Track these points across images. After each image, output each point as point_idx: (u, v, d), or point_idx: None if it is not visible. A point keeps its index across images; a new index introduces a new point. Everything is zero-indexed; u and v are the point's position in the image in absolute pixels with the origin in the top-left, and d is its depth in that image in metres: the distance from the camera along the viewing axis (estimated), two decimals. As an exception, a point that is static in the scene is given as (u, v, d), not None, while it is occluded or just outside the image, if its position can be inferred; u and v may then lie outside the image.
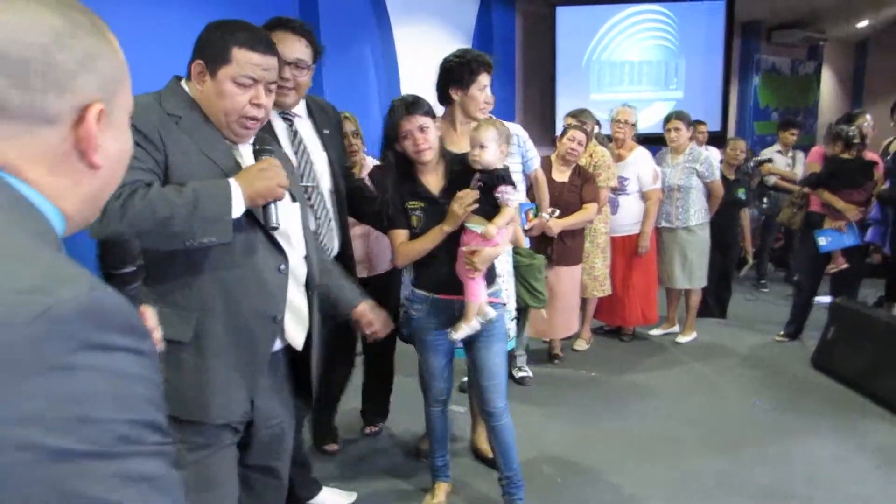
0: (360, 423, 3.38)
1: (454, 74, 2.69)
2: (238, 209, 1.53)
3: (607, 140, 4.66)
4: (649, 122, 6.72)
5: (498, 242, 2.31)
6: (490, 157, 2.31)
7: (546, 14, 7.16)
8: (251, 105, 1.59)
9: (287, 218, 1.68)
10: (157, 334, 1.01)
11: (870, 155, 4.62)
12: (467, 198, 2.25)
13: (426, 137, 2.29)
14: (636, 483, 2.90)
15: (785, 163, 6.21)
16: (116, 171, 0.73)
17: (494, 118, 2.69)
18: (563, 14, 7.16)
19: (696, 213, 4.59)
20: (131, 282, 0.90)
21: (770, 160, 6.21)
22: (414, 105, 2.30)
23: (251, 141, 1.69)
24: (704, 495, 2.82)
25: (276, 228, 1.62)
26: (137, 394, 0.57)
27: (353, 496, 2.78)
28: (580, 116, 4.22)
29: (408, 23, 5.53)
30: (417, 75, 5.19)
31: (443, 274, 2.36)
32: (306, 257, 1.76)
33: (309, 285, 1.77)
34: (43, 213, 0.64)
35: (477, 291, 2.32)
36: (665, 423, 3.48)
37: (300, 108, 2.31)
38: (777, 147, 6.33)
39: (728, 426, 3.44)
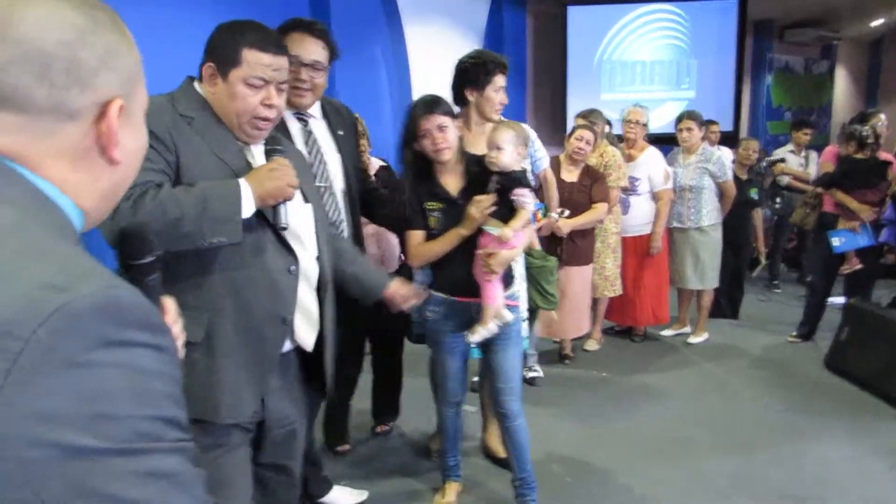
0: (370, 423, 3.39)
1: (470, 75, 2.69)
2: (248, 209, 1.53)
3: (618, 140, 4.65)
4: (661, 122, 6.69)
5: (515, 245, 2.31)
6: (507, 159, 2.31)
7: (557, 14, 7.15)
8: (263, 106, 1.59)
9: (298, 218, 1.68)
10: (178, 326, 1.01)
11: (884, 155, 4.58)
12: (485, 201, 2.25)
13: (445, 137, 2.29)
14: (647, 483, 2.88)
15: (798, 163, 6.17)
16: (133, 167, 0.74)
17: (503, 119, 2.69)
18: (574, 14, 7.14)
19: (709, 214, 4.57)
20: (150, 272, 0.90)
21: (783, 160, 6.17)
22: (434, 104, 2.31)
23: (263, 141, 1.69)
24: (716, 496, 2.81)
25: (285, 228, 1.61)
26: (156, 390, 0.57)
27: (364, 495, 2.79)
28: (590, 117, 4.22)
29: (419, 23, 5.54)
30: (428, 75, 5.20)
31: (460, 276, 2.36)
32: (318, 258, 1.76)
33: (321, 286, 1.77)
34: (62, 209, 0.65)
35: (494, 294, 2.32)
36: (676, 424, 3.47)
37: (315, 109, 2.32)
38: (790, 147, 6.29)
39: (740, 427, 3.42)
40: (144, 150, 0.76)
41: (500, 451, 3.01)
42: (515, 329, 2.46)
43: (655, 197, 4.46)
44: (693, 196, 4.54)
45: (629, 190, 4.41)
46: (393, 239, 3.06)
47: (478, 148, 2.51)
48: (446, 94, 2.78)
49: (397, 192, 2.41)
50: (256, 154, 1.68)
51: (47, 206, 0.63)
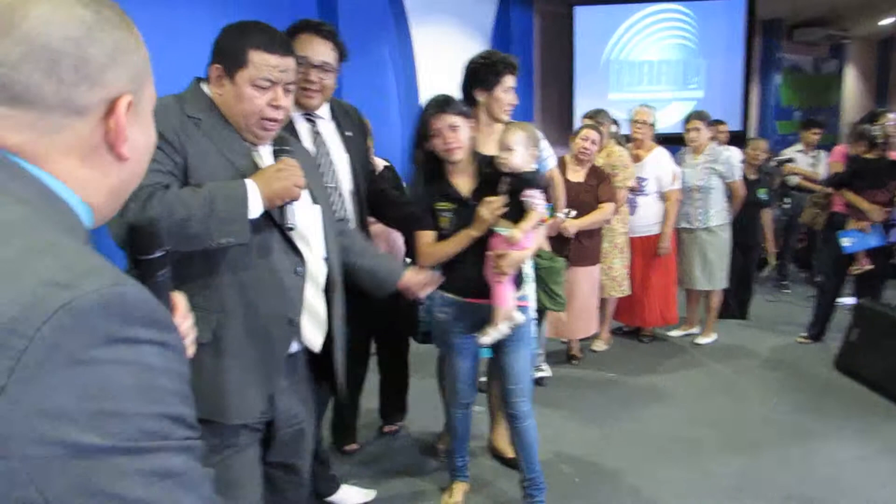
0: (377, 423, 3.39)
1: (479, 76, 2.69)
2: (255, 210, 1.53)
3: (625, 140, 4.64)
4: (669, 122, 6.67)
5: (525, 246, 2.31)
6: (518, 160, 2.30)
7: (564, 14, 7.15)
8: (270, 107, 1.59)
9: (306, 219, 1.68)
10: (189, 322, 1.01)
11: (894, 154, 4.54)
12: (495, 202, 2.25)
13: (456, 136, 2.30)
14: (655, 484, 2.88)
15: (807, 162, 6.13)
16: (142, 164, 0.74)
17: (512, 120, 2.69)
18: (582, 14, 7.13)
19: (717, 214, 4.55)
20: (160, 267, 0.90)
21: (791, 160, 6.14)
22: (445, 104, 2.31)
23: (271, 141, 1.69)
24: (724, 497, 2.79)
25: (291, 229, 1.61)
26: (163, 387, 0.56)
27: (372, 494, 2.80)
28: (597, 117, 4.22)
29: (426, 23, 5.55)
30: (435, 75, 5.21)
31: (471, 278, 2.35)
32: (326, 259, 1.76)
33: (329, 287, 1.76)
34: (70, 206, 0.65)
35: (505, 296, 2.31)
36: (685, 425, 3.45)
37: (324, 110, 2.32)
38: (799, 146, 6.25)
39: (749, 428, 3.41)
40: (153, 147, 0.76)
41: (508, 451, 3.01)
42: (526, 330, 2.45)
43: (663, 197, 4.45)
44: (701, 196, 4.53)
45: (637, 190, 4.40)
46: (399, 239, 3.07)
47: (486, 149, 2.51)
48: (454, 94, 2.79)
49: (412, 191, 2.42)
50: (264, 154, 1.67)
51: (55, 203, 0.63)
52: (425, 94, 5.12)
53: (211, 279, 1.56)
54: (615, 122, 4.55)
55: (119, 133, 0.67)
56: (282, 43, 1.61)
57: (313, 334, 1.73)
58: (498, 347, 2.44)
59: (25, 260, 0.54)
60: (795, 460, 3.08)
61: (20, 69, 0.61)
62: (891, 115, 4.98)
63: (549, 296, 3.07)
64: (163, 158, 1.50)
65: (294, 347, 1.70)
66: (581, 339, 4.42)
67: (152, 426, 0.55)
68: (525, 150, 2.32)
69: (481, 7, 6.27)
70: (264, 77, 1.57)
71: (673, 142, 5.18)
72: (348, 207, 2.35)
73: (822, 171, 5.81)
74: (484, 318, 2.35)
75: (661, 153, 4.48)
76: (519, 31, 6.62)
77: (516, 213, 2.29)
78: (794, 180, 6.09)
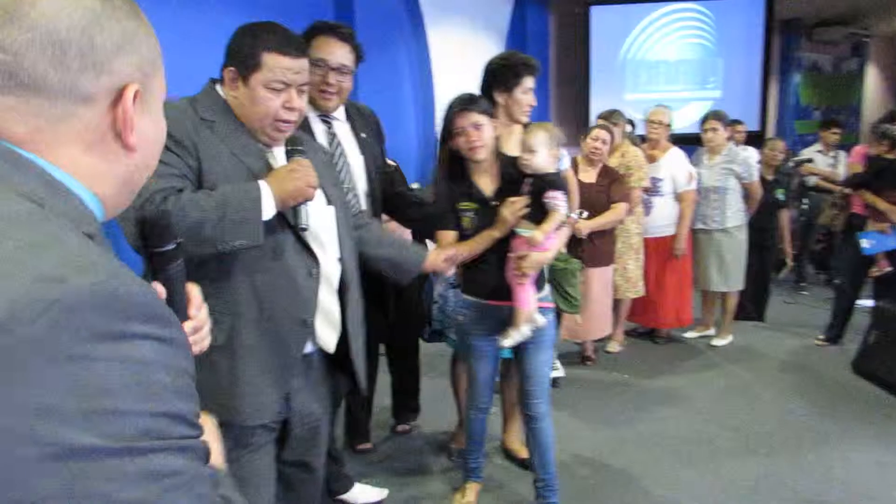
0: (390, 422, 3.40)
1: (498, 77, 2.68)
2: (268, 211, 1.53)
3: (640, 140, 4.62)
4: (686, 122, 6.63)
5: (547, 248, 2.30)
6: (540, 161, 2.30)
7: (580, 14, 7.12)
8: (284, 109, 1.59)
9: (319, 220, 1.68)
10: (204, 313, 1.02)
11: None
12: (517, 203, 2.25)
13: (480, 135, 2.30)
14: (670, 487, 2.86)
15: (826, 163, 6.06)
16: (151, 155, 0.73)
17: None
18: (598, 14, 7.11)
19: (734, 215, 4.51)
20: (173, 259, 0.90)
21: (810, 160, 6.08)
22: (470, 101, 2.32)
23: (284, 142, 1.69)
24: (739, 500, 2.77)
25: (305, 229, 1.61)
26: (161, 383, 0.54)
27: (385, 493, 2.81)
28: (611, 118, 4.20)
29: (442, 24, 5.55)
30: (451, 76, 5.21)
31: (492, 280, 2.35)
32: (340, 259, 1.76)
33: (343, 288, 1.76)
34: (78, 198, 0.64)
35: (526, 298, 2.30)
36: (700, 427, 3.43)
37: (339, 112, 2.34)
38: (818, 147, 6.18)
39: (765, 431, 3.38)
40: (163, 139, 0.75)
41: (520, 452, 3.00)
42: (548, 332, 2.44)
43: (679, 198, 4.42)
44: (718, 197, 4.49)
45: (651, 191, 4.38)
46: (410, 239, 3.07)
47: (505, 149, 2.51)
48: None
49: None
50: (278, 155, 1.68)
51: (62, 195, 0.62)
52: (441, 95, 5.13)
53: (225, 282, 1.56)
54: (630, 122, 4.53)
55: (126, 122, 0.66)
56: (295, 44, 1.61)
57: (327, 335, 1.73)
58: (518, 349, 2.43)
59: (23, 256, 0.52)
60: (811, 464, 3.05)
61: (26, 56, 0.60)
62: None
63: (564, 297, 3.06)
64: (176, 162, 1.51)
65: (309, 348, 1.71)
66: (595, 341, 4.40)
67: (149, 424, 0.52)
68: (547, 151, 2.32)
69: (497, 7, 6.26)
70: (278, 79, 1.57)
71: (690, 142, 5.14)
72: (363, 208, 2.36)
73: (842, 171, 5.74)
74: (504, 320, 2.35)
75: (676, 153, 4.46)
76: (534, 32, 6.61)
77: (538, 214, 2.29)
78: (812, 181, 6.02)
